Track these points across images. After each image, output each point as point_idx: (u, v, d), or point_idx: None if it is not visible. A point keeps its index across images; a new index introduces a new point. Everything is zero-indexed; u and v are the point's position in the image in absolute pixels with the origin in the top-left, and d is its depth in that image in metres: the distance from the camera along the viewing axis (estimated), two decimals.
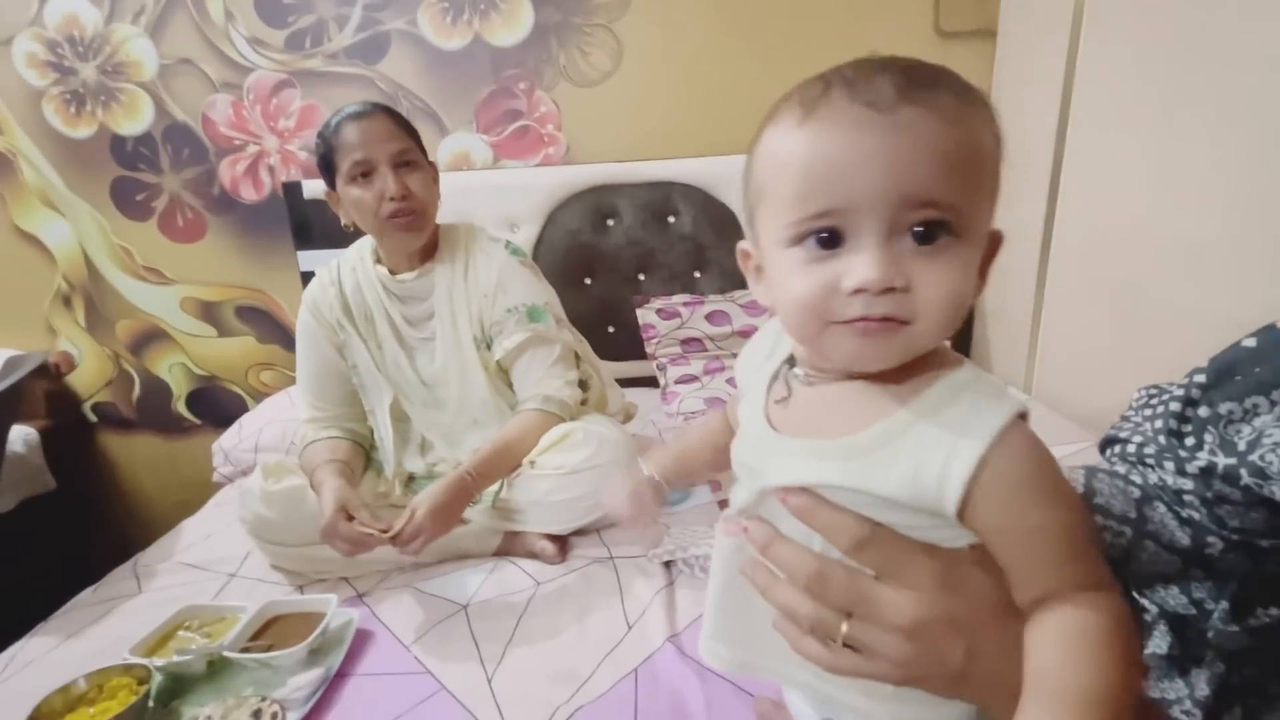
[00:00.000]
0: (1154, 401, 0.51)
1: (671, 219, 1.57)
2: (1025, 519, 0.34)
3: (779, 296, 0.38)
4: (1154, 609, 0.54)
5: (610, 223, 1.57)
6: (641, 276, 1.60)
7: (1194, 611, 0.53)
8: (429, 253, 1.01)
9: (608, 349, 1.61)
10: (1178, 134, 1.04)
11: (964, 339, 1.64)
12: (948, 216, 0.33)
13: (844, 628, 0.36)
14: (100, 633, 0.86)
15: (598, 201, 1.55)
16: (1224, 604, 0.52)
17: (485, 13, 1.49)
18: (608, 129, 1.56)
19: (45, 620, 0.90)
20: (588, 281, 1.61)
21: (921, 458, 0.34)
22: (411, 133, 0.97)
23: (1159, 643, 0.52)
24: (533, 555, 0.95)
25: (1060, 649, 0.33)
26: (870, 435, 0.36)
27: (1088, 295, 1.27)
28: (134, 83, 1.55)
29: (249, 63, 1.54)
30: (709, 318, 1.54)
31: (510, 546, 0.97)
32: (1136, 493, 0.47)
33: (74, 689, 0.69)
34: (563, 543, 0.97)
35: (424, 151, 0.99)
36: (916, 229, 0.33)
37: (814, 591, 0.37)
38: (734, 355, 1.58)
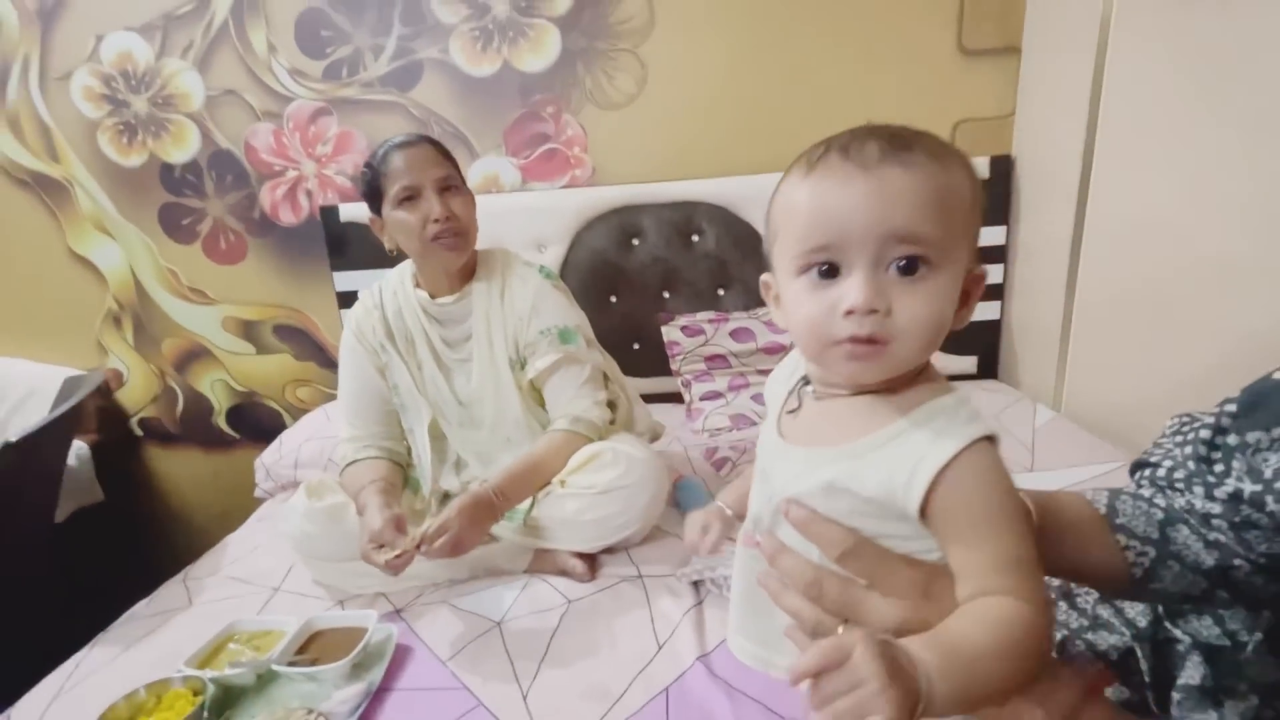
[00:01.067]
0: (1185, 429, 0.52)
1: (695, 238, 1.59)
2: (972, 527, 0.39)
3: (791, 318, 0.44)
4: (1187, 639, 0.55)
5: (635, 242, 1.60)
6: (666, 294, 1.63)
7: (1228, 643, 0.53)
8: (467, 277, 1.05)
9: (633, 366, 1.63)
10: (1208, 145, 1.03)
11: (991, 355, 1.63)
12: (924, 251, 0.39)
13: (840, 630, 0.41)
14: (156, 644, 0.90)
15: (623, 221, 1.58)
16: (1258, 636, 0.52)
17: (514, 40, 1.54)
18: (633, 150, 1.59)
19: (105, 630, 0.94)
20: (613, 299, 1.63)
21: (895, 465, 0.40)
22: (453, 161, 1.02)
23: (1191, 673, 0.53)
24: (563, 573, 0.98)
25: (974, 619, 0.37)
26: (859, 445, 0.42)
27: (1118, 309, 1.26)
28: (182, 113, 1.62)
29: (289, 92, 1.60)
30: (733, 334, 1.55)
31: (541, 564, 0.99)
32: (1160, 515, 0.48)
33: (136, 698, 0.73)
34: (593, 561, 0.99)
35: (463, 179, 1.03)
36: (899, 262, 0.40)
37: (812, 596, 0.42)
38: (758, 371, 1.60)
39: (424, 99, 1.58)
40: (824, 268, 0.41)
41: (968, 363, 1.64)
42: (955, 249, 0.40)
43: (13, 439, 0.97)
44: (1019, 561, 0.38)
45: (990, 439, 0.40)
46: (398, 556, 0.83)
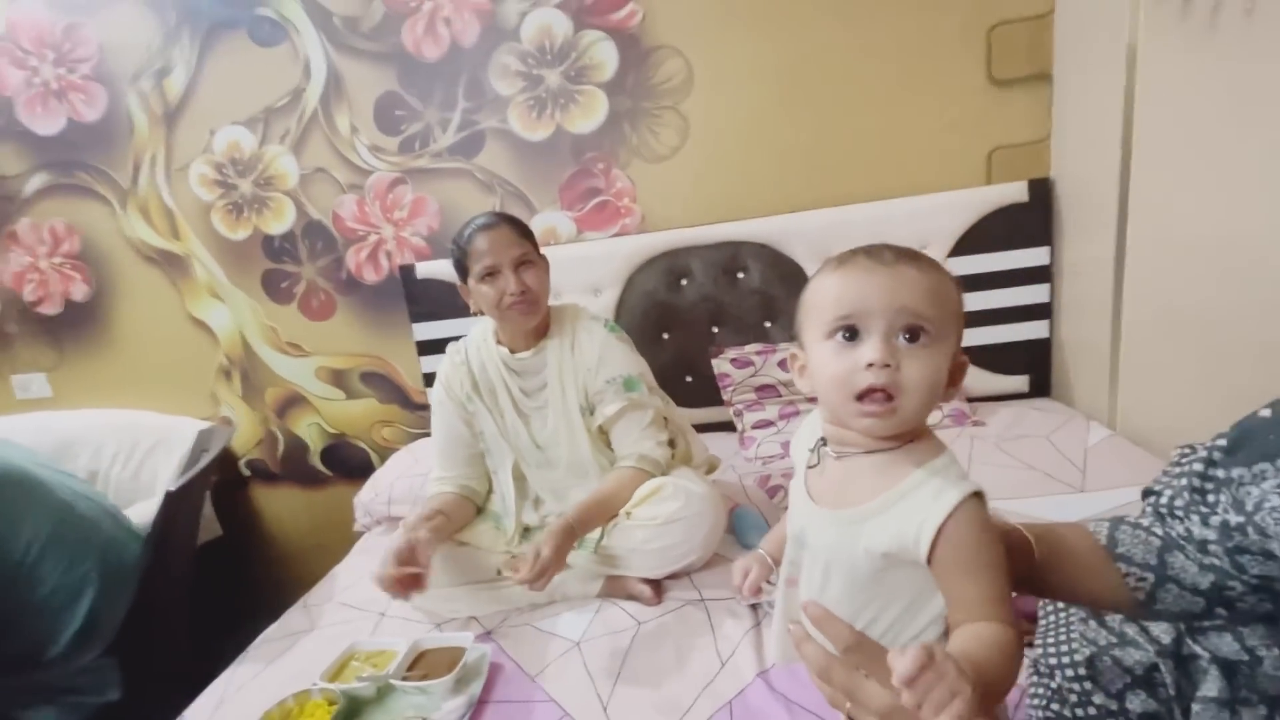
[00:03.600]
0: (1183, 461, 0.58)
1: (741, 275, 1.68)
2: (965, 570, 0.49)
3: (819, 376, 0.55)
4: (1207, 655, 0.60)
5: (684, 282, 1.70)
6: (715, 329, 1.72)
7: (1247, 658, 0.58)
8: (541, 333, 1.17)
9: (686, 398, 1.73)
10: (1244, 161, 1.05)
11: (1043, 373, 1.65)
12: (925, 325, 0.51)
13: (847, 706, 0.50)
14: (289, 661, 1.05)
15: (671, 264, 1.69)
16: (1276, 651, 0.57)
17: (565, 106, 1.69)
18: (678, 198, 1.71)
19: (245, 650, 1.10)
20: (665, 336, 1.74)
21: (904, 522, 0.50)
22: (527, 235, 1.14)
23: (1210, 687, 0.58)
24: (632, 597, 1.08)
25: (973, 640, 0.47)
26: (873, 505, 0.53)
27: (1167, 326, 1.27)
28: (280, 191, 1.85)
29: (369, 166, 1.80)
30: (782, 364, 1.63)
31: (612, 589, 1.09)
32: (1158, 543, 0.55)
33: (285, 705, 0.88)
34: (658, 586, 1.09)
35: (538, 248, 1.15)
36: (905, 334, 0.51)
37: (824, 679, 0.51)
38: (808, 399, 1.66)
39: (487, 164, 1.75)
40: (848, 333, 0.53)
41: (1019, 382, 1.66)
42: (946, 331, 0.52)
43: (172, 489, 1.16)
44: (1002, 596, 0.49)
45: (978, 494, 0.50)
46: (398, 580, 0.94)
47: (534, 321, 1.14)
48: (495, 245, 1.08)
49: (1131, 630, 0.64)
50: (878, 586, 0.53)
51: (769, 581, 0.68)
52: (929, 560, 0.49)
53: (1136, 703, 0.61)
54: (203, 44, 1.75)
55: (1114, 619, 0.66)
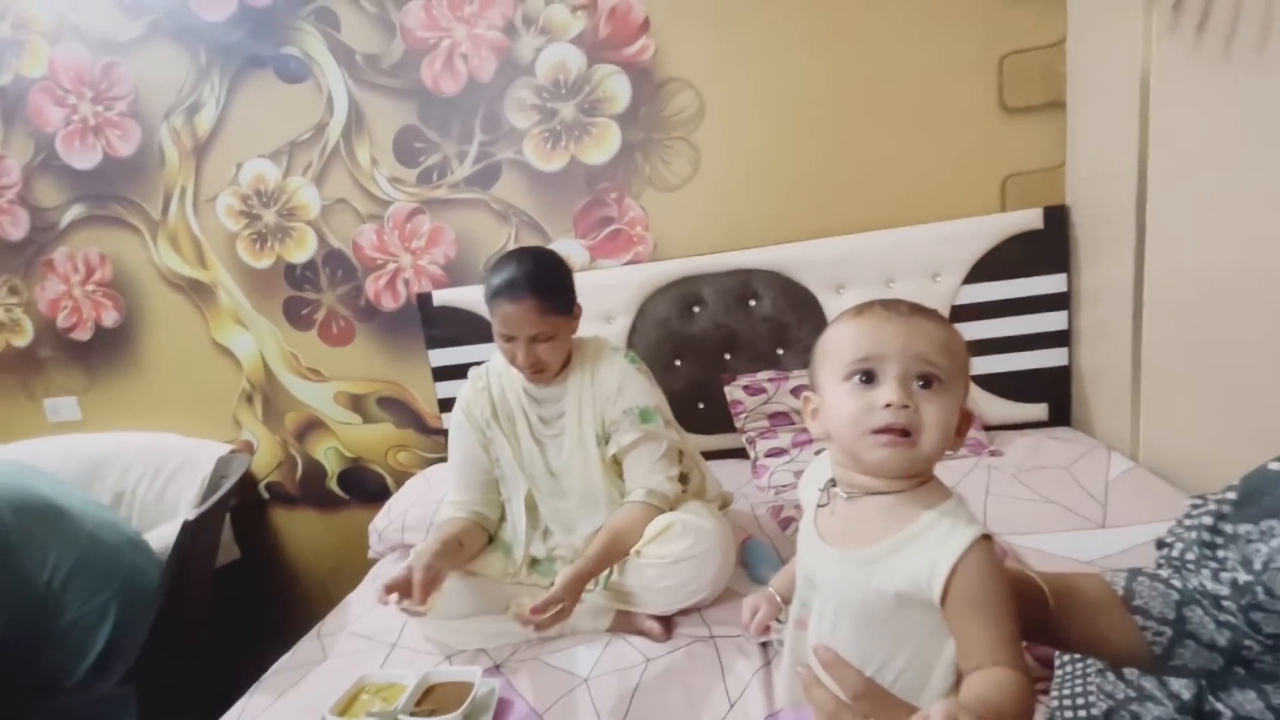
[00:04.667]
0: (1194, 512, 0.56)
1: (752, 302, 1.69)
2: (977, 612, 0.50)
3: (834, 416, 0.57)
4: (1229, 713, 0.58)
5: (696, 309, 1.71)
6: (727, 356, 1.72)
7: (1271, 717, 0.56)
8: (563, 365, 1.18)
9: (699, 425, 1.73)
10: (1262, 185, 1.04)
11: (1063, 402, 1.62)
12: (938, 373, 0.54)
13: None
14: (301, 692, 1.06)
15: (684, 291, 1.70)
16: None
17: (579, 137, 1.72)
18: (690, 227, 1.72)
19: (259, 680, 1.11)
20: (678, 363, 1.75)
21: (917, 564, 0.52)
22: (553, 300, 1.08)
23: None
24: (642, 633, 1.07)
25: (986, 684, 0.48)
26: (885, 546, 0.54)
27: (1189, 354, 1.25)
28: (302, 221, 1.90)
29: (388, 197, 1.85)
30: (794, 392, 1.62)
31: (622, 624, 1.09)
32: (1176, 596, 0.53)
33: None
34: (668, 622, 1.08)
35: (568, 301, 1.12)
36: (919, 381, 0.54)
37: None
38: (820, 441, 1.64)
39: (503, 194, 1.79)
40: (864, 376, 0.55)
41: (1038, 410, 1.63)
42: (956, 380, 0.55)
43: (190, 517, 1.19)
44: (1013, 640, 0.50)
45: (987, 537, 0.51)
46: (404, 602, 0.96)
47: (543, 382, 1.16)
48: (512, 320, 1.07)
49: (1150, 685, 0.62)
50: (887, 629, 0.53)
51: (778, 620, 0.68)
52: (942, 601, 0.50)
53: None
54: (231, 82, 1.82)
55: (1132, 672, 0.64)
